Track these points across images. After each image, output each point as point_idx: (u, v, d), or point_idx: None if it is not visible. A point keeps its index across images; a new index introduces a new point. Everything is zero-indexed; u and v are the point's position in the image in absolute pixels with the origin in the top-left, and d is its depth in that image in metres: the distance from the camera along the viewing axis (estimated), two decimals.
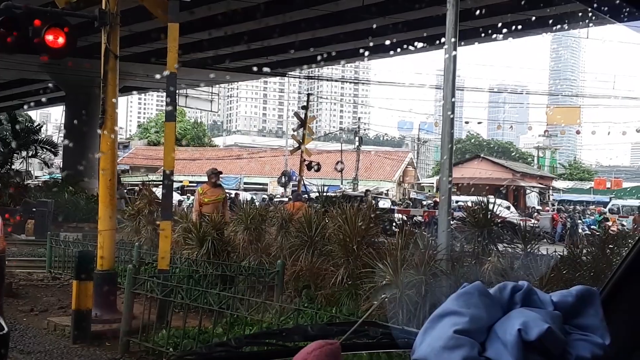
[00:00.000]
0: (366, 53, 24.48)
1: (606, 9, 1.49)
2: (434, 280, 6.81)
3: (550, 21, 19.26)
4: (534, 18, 18.70)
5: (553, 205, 45.53)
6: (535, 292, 1.19)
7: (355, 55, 25.90)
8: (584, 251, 8.93)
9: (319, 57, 25.68)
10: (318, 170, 33.86)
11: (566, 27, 21.55)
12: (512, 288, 1.19)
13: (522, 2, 17.27)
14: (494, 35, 21.19)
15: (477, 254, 8.02)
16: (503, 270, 6.98)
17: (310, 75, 45.12)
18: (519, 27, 19.94)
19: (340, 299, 8.35)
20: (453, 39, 7.92)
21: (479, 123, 61.14)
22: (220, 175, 13.18)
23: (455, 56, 8.02)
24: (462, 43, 20.53)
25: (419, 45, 22.98)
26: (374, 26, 20.00)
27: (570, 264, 8.20)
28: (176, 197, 25.68)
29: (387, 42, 22.96)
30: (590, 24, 20.70)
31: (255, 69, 26.92)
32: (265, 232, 10.90)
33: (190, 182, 49.70)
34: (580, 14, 16.35)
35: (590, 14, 15.64)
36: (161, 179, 9.43)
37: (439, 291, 6.46)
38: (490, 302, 1.15)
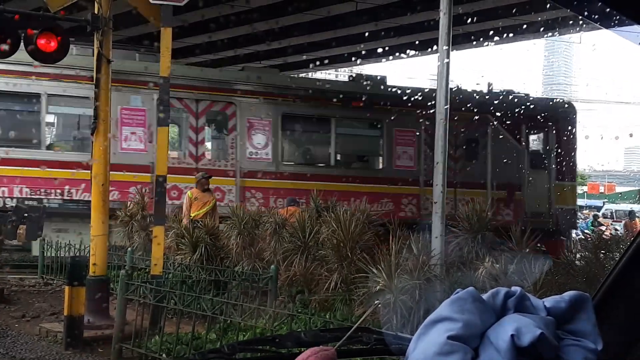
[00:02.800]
0: (359, 58, 24.53)
1: (595, 16, 1.50)
2: (427, 285, 6.81)
3: (543, 27, 19.36)
4: (525, 24, 18.80)
5: None
6: (528, 297, 1.19)
7: (348, 60, 25.96)
8: (577, 256, 8.95)
9: (312, 62, 25.73)
10: None
11: (558, 33, 21.68)
12: (505, 294, 1.19)
13: (515, 8, 17.35)
14: (487, 40, 21.28)
15: (471, 259, 8.03)
16: (497, 275, 6.99)
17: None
18: (512, 32, 20.03)
19: (334, 304, 8.35)
20: (445, 47, 7.96)
21: None
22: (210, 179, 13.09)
23: (448, 63, 8.05)
24: (455, 48, 20.61)
25: (413, 50, 23.05)
26: (367, 31, 20.05)
27: (564, 269, 8.22)
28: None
29: (380, 47, 23.02)
30: (581, 30, 20.83)
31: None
32: (258, 237, 10.89)
33: None
34: (571, 20, 16.44)
35: (581, 21, 15.73)
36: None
37: (433, 296, 6.47)
38: (483, 308, 1.15)
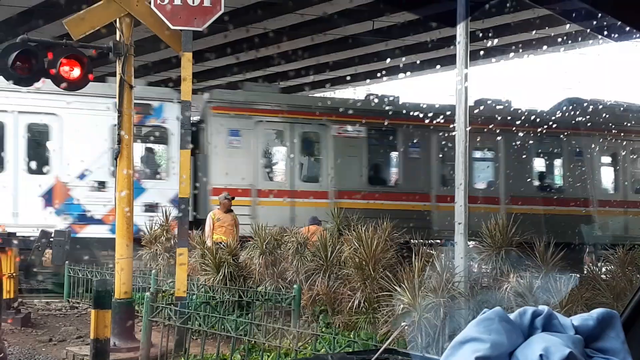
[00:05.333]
0: (377, 76, 24.58)
1: (614, 34, 1.51)
2: (452, 303, 6.76)
3: (560, 40, 19.30)
4: (543, 37, 18.75)
5: None
6: (555, 316, 1.19)
7: (366, 79, 26.02)
8: (603, 270, 8.84)
9: (331, 81, 25.84)
10: None
11: (575, 46, 21.58)
12: (532, 313, 1.18)
13: (532, 23, 17.31)
14: (504, 55, 21.25)
15: (495, 276, 7.97)
16: (522, 292, 6.92)
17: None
18: (529, 45, 19.99)
19: (357, 323, 8.31)
20: (465, 70, 8.02)
21: None
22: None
23: (466, 88, 8.10)
24: (473, 64, 20.56)
25: (430, 67, 23.07)
26: (384, 49, 20.14)
27: (590, 284, 8.12)
28: None
29: (398, 65, 23.06)
30: (595, 44, 20.72)
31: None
32: (280, 256, 10.89)
33: None
34: (588, 36, 16.37)
35: (598, 37, 15.66)
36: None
37: (458, 314, 6.42)
38: (510, 327, 1.15)
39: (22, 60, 8.68)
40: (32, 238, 10.79)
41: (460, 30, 8.16)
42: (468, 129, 7.99)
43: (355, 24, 18.42)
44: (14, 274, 10.90)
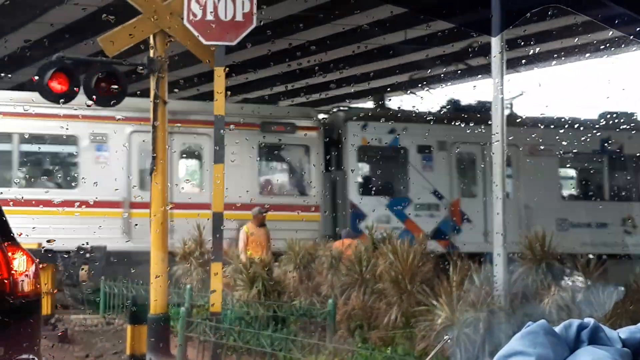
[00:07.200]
0: (411, 86, 24.50)
1: None
2: (492, 317, 6.62)
3: (601, 46, 18.99)
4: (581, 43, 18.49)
5: None
6: (602, 329, 1.17)
7: (399, 89, 25.95)
8: None
9: (364, 93, 25.82)
10: None
11: (617, 52, 21.24)
12: (578, 326, 1.16)
13: (573, 30, 17.07)
14: (541, 62, 21.01)
15: (536, 289, 7.80)
16: (565, 305, 6.75)
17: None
18: (568, 52, 19.73)
19: (394, 338, 8.20)
20: (502, 80, 7.94)
21: None
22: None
23: (502, 98, 8.00)
24: (509, 71, 20.33)
25: (465, 76, 22.90)
26: (418, 59, 20.10)
27: (635, 296, 7.90)
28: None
29: (432, 74, 22.93)
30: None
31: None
32: (315, 270, 10.83)
33: None
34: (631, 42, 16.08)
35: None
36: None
37: (499, 329, 6.28)
38: (556, 341, 1.13)
39: (59, 78, 8.83)
40: (70, 254, 10.94)
41: (496, 40, 8.05)
42: (511, 138, 7.89)
43: (389, 34, 18.41)
44: (51, 291, 11.03)
